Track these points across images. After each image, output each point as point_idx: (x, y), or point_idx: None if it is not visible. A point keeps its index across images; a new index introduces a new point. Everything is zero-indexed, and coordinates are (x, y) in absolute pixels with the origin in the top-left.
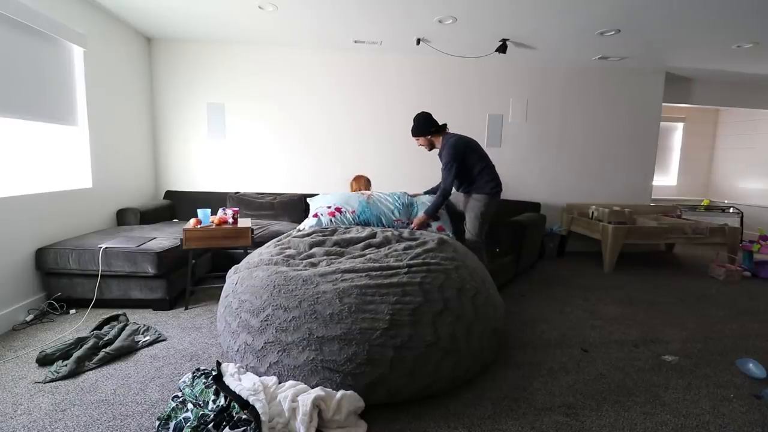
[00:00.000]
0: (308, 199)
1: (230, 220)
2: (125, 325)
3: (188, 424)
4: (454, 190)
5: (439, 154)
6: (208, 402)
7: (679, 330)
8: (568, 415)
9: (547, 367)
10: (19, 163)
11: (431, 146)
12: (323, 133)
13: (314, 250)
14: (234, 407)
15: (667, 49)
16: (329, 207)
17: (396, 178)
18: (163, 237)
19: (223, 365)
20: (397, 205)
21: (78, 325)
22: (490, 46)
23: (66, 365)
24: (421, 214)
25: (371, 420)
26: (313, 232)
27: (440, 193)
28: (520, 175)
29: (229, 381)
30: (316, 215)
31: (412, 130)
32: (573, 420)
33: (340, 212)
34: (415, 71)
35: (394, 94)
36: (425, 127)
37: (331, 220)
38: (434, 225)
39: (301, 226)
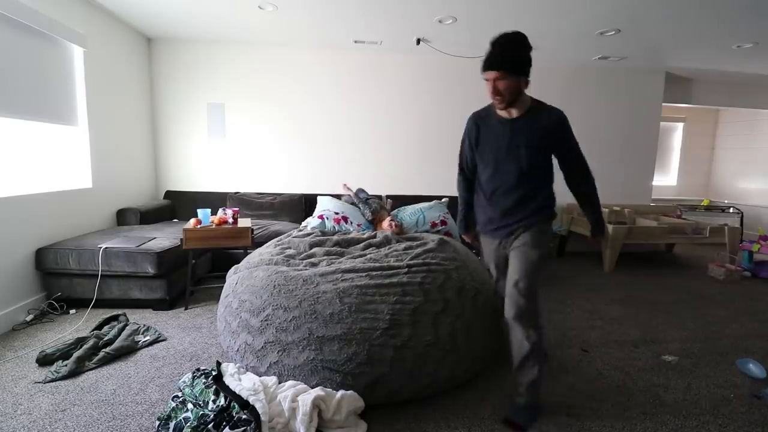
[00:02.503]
0: (319, 198)
1: (230, 220)
2: (125, 325)
3: (188, 424)
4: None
5: (532, 125)
6: (208, 402)
7: (679, 330)
8: (568, 415)
9: (547, 366)
10: (19, 163)
11: (513, 98)
12: (323, 133)
13: (314, 250)
14: (234, 407)
15: (667, 49)
16: (337, 213)
17: (396, 178)
18: (163, 237)
19: (223, 365)
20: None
21: (78, 325)
22: None
23: (66, 365)
24: (602, 232)
25: (371, 420)
26: (313, 233)
27: (593, 188)
28: None
29: (229, 381)
30: (321, 217)
31: (495, 59)
32: (573, 420)
33: (346, 221)
34: (415, 71)
35: (394, 94)
36: (527, 60)
37: (334, 227)
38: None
39: (303, 225)
